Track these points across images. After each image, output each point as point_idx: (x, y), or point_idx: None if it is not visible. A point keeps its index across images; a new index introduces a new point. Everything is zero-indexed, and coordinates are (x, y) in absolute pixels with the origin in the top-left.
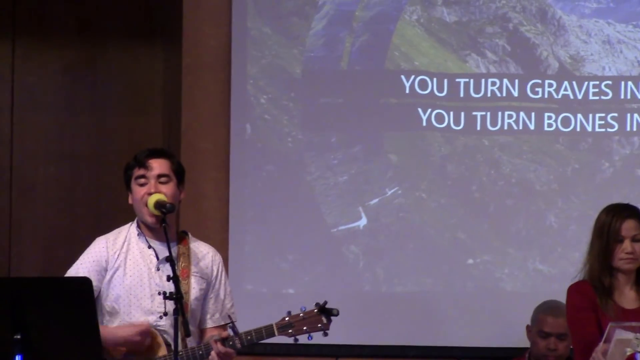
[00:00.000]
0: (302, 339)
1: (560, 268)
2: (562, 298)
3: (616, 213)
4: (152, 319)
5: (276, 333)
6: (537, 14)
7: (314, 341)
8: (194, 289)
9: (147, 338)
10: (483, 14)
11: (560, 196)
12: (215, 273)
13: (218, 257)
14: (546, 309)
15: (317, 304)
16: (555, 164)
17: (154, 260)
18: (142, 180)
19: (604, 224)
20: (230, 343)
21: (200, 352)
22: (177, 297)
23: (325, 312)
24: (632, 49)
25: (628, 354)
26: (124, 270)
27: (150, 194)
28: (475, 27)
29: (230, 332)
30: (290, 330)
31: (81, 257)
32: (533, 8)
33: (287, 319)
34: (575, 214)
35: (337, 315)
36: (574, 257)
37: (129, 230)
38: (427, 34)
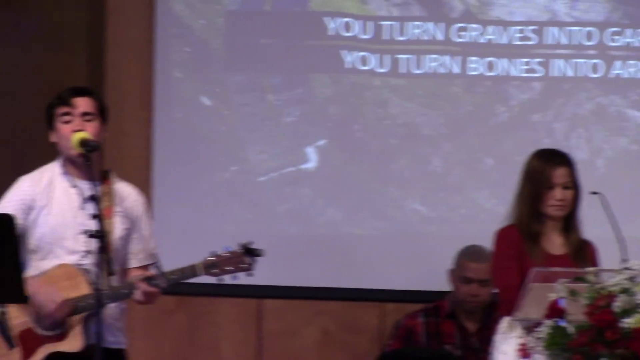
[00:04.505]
0: (227, 279)
1: (439, 212)
2: (437, 240)
3: (548, 159)
4: (75, 257)
5: (200, 273)
6: None
7: (238, 282)
8: (118, 228)
9: (59, 312)
10: None
11: (449, 140)
12: (138, 213)
13: (141, 198)
14: (468, 255)
15: (241, 244)
16: (448, 107)
17: (78, 199)
18: (67, 118)
19: (535, 169)
20: (155, 282)
21: (125, 291)
22: (101, 234)
23: (250, 252)
24: None
25: (552, 299)
26: (49, 210)
27: (75, 131)
28: None
29: (154, 271)
30: (214, 270)
31: (6, 197)
32: None
33: (211, 258)
34: (463, 157)
35: (261, 255)
36: (455, 201)
37: (53, 170)
38: None
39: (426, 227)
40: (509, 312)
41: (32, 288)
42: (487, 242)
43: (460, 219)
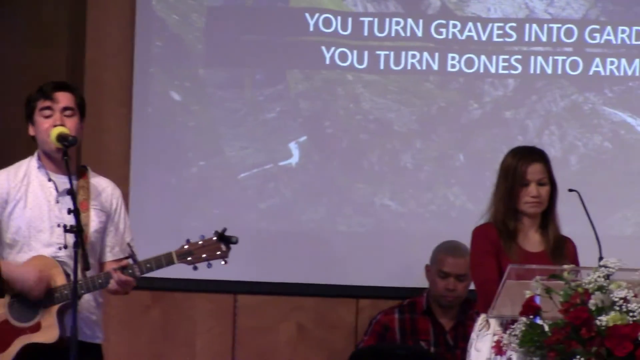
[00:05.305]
0: (202, 267)
1: (409, 208)
2: (408, 236)
3: (522, 156)
4: (51, 250)
5: (175, 261)
6: None
7: (214, 277)
8: (94, 221)
9: (41, 285)
10: None
11: (420, 137)
12: (114, 206)
13: (117, 192)
14: (446, 249)
15: (216, 232)
16: (420, 104)
17: (54, 193)
18: (47, 112)
19: (509, 166)
20: (130, 271)
21: (100, 281)
22: (78, 229)
23: (225, 239)
24: None
25: (527, 296)
26: (25, 203)
27: (55, 126)
28: None
29: (129, 260)
30: (189, 258)
31: None
32: None
33: (186, 246)
34: (434, 153)
35: (236, 242)
36: (425, 197)
37: (29, 164)
38: None
39: (397, 224)
40: (486, 306)
41: (4, 268)
42: (457, 238)
43: (430, 215)
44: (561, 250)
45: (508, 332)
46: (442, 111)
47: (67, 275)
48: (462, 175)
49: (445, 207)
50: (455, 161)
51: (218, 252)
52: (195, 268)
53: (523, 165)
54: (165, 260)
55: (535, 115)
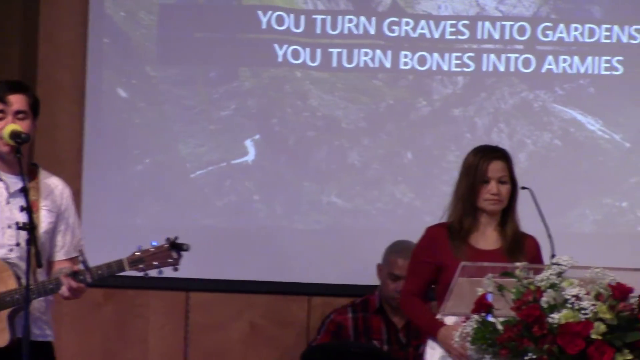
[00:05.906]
0: (152, 273)
1: (355, 204)
2: (354, 233)
3: (484, 154)
4: (2, 251)
5: (127, 268)
6: None
7: (166, 275)
8: (44, 222)
9: None
10: None
11: (368, 134)
12: (64, 205)
13: (67, 190)
14: (397, 251)
15: (167, 239)
16: (368, 101)
17: (4, 193)
18: (0, 115)
19: (471, 164)
20: (81, 277)
21: (51, 286)
22: (30, 227)
23: (176, 247)
24: None
25: (479, 294)
26: None
27: None
28: None
29: (80, 266)
30: (141, 265)
31: None
32: None
33: (138, 253)
34: (381, 151)
35: (187, 250)
36: (372, 195)
37: None
38: None
39: (344, 221)
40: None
41: None
42: (404, 235)
43: (377, 213)
44: (519, 247)
45: (460, 329)
46: (390, 109)
47: (18, 278)
48: (410, 172)
49: (392, 204)
50: (402, 158)
51: (169, 260)
52: (146, 275)
53: (484, 163)
54: (117, 266)
55: (484, 113)
